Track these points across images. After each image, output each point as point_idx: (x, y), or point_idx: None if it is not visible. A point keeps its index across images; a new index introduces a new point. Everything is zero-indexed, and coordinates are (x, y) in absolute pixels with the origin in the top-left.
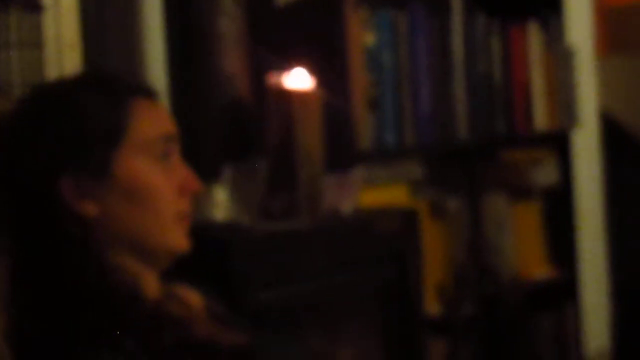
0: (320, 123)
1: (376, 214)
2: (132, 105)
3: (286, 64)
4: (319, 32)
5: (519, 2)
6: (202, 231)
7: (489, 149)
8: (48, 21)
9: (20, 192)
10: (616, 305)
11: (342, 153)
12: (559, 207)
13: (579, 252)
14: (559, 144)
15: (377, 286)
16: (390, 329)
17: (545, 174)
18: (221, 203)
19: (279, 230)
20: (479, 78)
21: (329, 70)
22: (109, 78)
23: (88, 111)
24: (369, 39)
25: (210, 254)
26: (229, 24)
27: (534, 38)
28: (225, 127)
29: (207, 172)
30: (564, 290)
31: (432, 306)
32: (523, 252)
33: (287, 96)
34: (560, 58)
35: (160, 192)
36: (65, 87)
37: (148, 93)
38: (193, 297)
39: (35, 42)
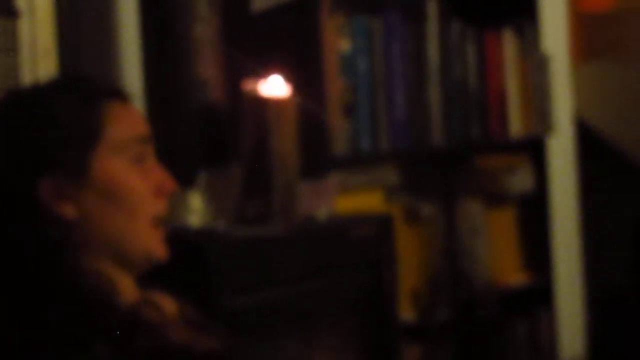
0: (295, 129)
1: (351, 219)
2: (107, 107)
3: (261, 70)
4: (294, 38)
5: (494, 9)
6: (177, 237)
7: (464, 155)
8: (23, 27)
9: None
10: (591, 311)
11: (317, 159)
12: (533, 213)
13: (553, 258)
14: (534, 150)
15: (352, 292)
16: (366, 335)
17: (520, 180)
18: (196, 209)
19: (254, 235)
20: (454, 84)
21: (304, 76)
22: (83, 82)
23: (63, 114)
24: (345, 44)
25: (186, 259)
26: (204, 30)
27: (509, 44)
28: (200, 133)
29: (182, 178)
30: (538, 296)
31: (407, 311)
32: (498, 258)
33: (262, 102)
34: (535, 64)
35: (137, 194)
36: (40, 91)
37: (121, 96)
38: (168, 303)
39: (10, 48)
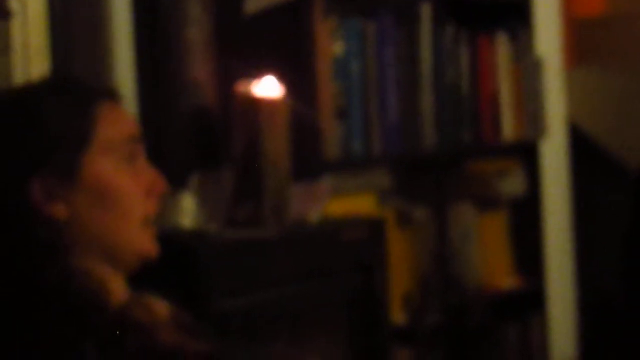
0: (287, 131)
1: (343, 223)
2: (98, 108)
3: (254, 73)
4: (287, 41)
5: (487, 13)
6: (169, 239)
7: (456, 159)
8: (16, 27)
9: None
10: (582, 315)
11: (309, 162)
12: (526, 217)
13: (545, 263)
14: (526, 154)
15: (343, 295)
16: (356, 338)
17: (513, 185)
18: (188, 211)
19: (245, 238)
20: (447, 88)
21: (296, 79)
22: (74, 82)
23: (55, 115)
24: (337, 48)
25: (177, 261)
26: (197, 32)
27: (502, 49)
28: (192, 135)
29: (174, 180)
30: (530, 300)
31: (398, 315)
32: (489, 262)
33: (255, 105)
34: (528, 69)
35: (128, 194)
36: (31, 92)
37: (113, 97)
38: (159, 305)
39: (2, 49)
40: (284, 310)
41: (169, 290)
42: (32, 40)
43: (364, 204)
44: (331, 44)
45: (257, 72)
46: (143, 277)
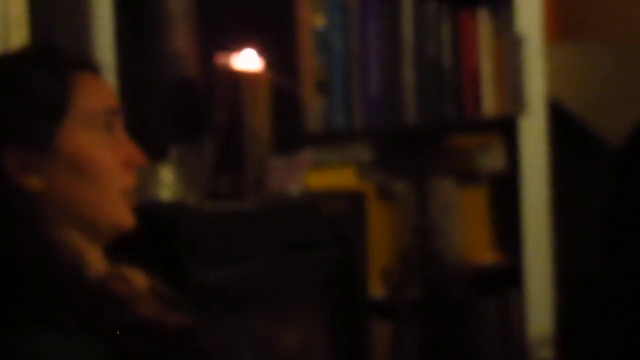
0: (268, 104)
1: (323, 195)
2: (76, 79)
3: (235, 45)
4: (269, 14)
5: None
6: (148, 210)
7: (437, 134)
8: None
9: None
10: (560, 292)
11: (290, 134)
12: (505, 192)
13: (524, 238)
14: (506, 129)
15: (323, 268)
16: (335, 312)
17: (493, 160)
18: (168, 183)
19: (226, 210)
20: (429, 62)
21: (278, 52)
22: (52, 52)
23: (31, 84)
24: (319, 21)
25: (156, 233)
26: (178, 3)
27: (483, 24)
28: (172, 107)
29: (154, 152)
30: (508, 275)
31: (377, 289)
32: (469, 236)
33: (236, 77)
34: (509, 44)
35: (105, 166)
36: (8, 61)
37: (91, 67)
38: (138, 277)
39: None
40: (263, 283)
41: (148, 262)
42: (12, 10)
43: (345, 177)
44: (313, 17)
45: (239, 43)
46: (123, 249)
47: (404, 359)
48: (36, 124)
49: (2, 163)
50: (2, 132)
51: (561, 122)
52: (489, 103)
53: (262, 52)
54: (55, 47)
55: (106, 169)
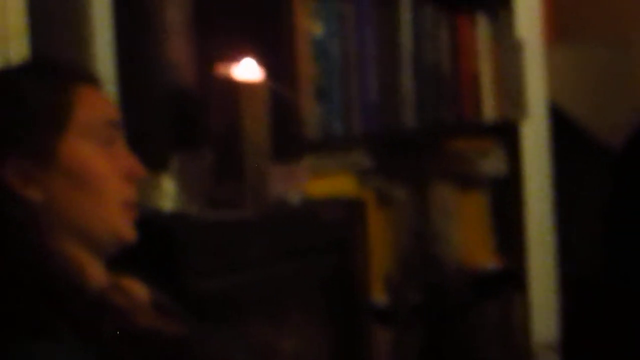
0: (266, 112)
1: (322, 203)
2: (76, 91)
3: (233, 53)
4: (266, 22)
5: None
6: (149, 220)
7: (436, 139)
8: None
9: None
10: (564, 296)
11: (288, 142)
12: (506, 196)
13: (526, 242)
14: (506, 134)
15: (323, 275)
16: (336, 318)
17: (493, 164)
18: (168, 192)
19: (225, 219)
20: (427, 68)
21: (275, 60)
22: (52, 65)
23: (32, 96)
24: (316, 28)
25: (157, 243)
26: (176, 13)
27: (482, 28)
28: (171, 116)
29: (153, 161)
30: (511, 280)
31: (378, 295)
32: (470, 241)
33: (234, 85)
34: (508, 49)
35: (105, 178)
36: (9, 73)
37: (91, 80)
38: (137, 288)
39: None
40: (264, 291)
41: (149, 272)
42: (11, 22)
43: (344, 183)
44: (310, 25)
45: (236, 52)
46: (123, 258)
47: None
48: (36, 135)
49: (2, 173)
50: (2, 143)
51: (560, 124)
52: (489, 107)
53: (259, 60)
54: (55, 59)
55: (106, 181)
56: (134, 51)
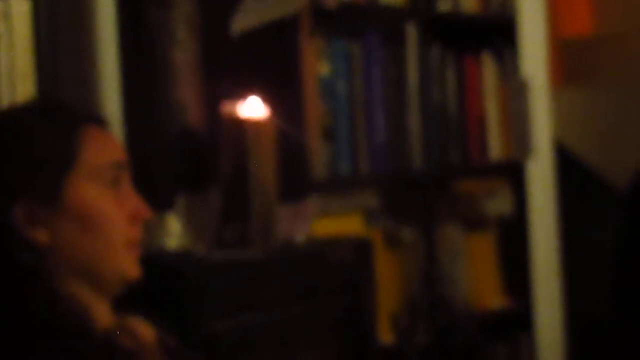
0: (274, 152)
1: (330, 243)
2: (83, 132)
3: (240, 93)
4: (273, 62)
5: (473, 33)
6: (155, 260)
7: (443, 179)
8: (1, 49)
9: None
10: (571, 336)
11: (296, 182)
12: (513, 237)
13: (533, 283)
14: (513, 174)
15: (331, 316)
16: (345, 359)
17: (500, 204)
18: (175, 232)
19: (233, 259)
20: (434, 108)
21: (283, 100)
22: (59, 105)
23: (38, 138)
24: (324, 68)
25: (163, 283)
26: (183, 54)
27: (488, 69)
28: (178, 156)
29: (160, 202)
30: (518, 320)
31: (386, 335)
32: (477, 282)
33: (241, 125)
34: (514, 89)
35: (111, 219)
36: (15, 114)
37: (98, 121)
38: (145, 329)
39: None
40: (272, 332)
41: (156, 313)
42: (18, 63)
43: (351, 224)
44: (318, 64)
45: (244, 92)
46: (130, 299)
47: None
48: (43, 177)
49: (10, 216)
50: (10, 185)
51: (567, 165)
52: (495, 148)
53: (267, 99)
54: (62, 100)
55: (112, 222)
56: (141, 92)
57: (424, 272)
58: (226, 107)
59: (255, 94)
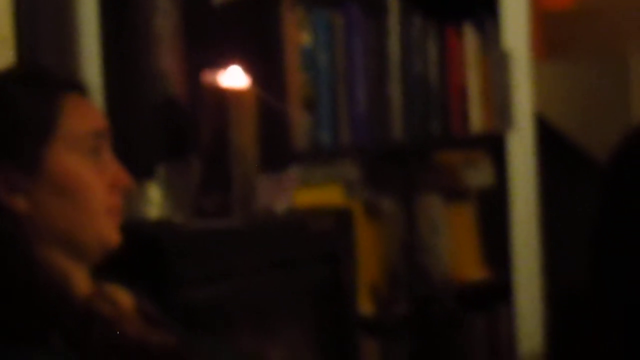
0: (255, 121)
1: (310, 213)
2: (63, 100)
3: (222, 63)
4: (255, 32)
5: (455, 4)
6: (135, 229)
7: (424, 150)
8: None
9: None
10: (549, 307)
11: (277, 152)
12: (493, 209)
13: (513, 254)
14: (494, 146)
15: (311, 286)
16: (324, 329)
17: (480, 176)
18: (155, 201)
19: (212, 228)
20: (415, 79)
21: (264, 70)
22: (40, 73)
23: (18, 105)
24: (305, 38)
25: (143, 251)
26: (164, 22)
27: (470, 40)
28: (159, 125)
29: (140, 170)
30: (497, 291)
31: (365, 306)
32: (457, 253)
33: (222, 95)
34: (496, 60)
35: (91, 188)
36: None
37: (79, 89)
38: (124, 297)
39: None
40: (251, 301)
41: (135, 281)
42: None
43: (332, 194)
44: (299, 35)
45: (225, 62)
46: (109, 267)
47: None
48: (23, 144)
49: None
50: None
51: (547, 137)
52: (476, 119)
53: (248, 69)
54: (43, 67)
55: (92, 190)
56: (121, 59)
57: (403, 243)
58: (207, 76)
59: (237, 64)
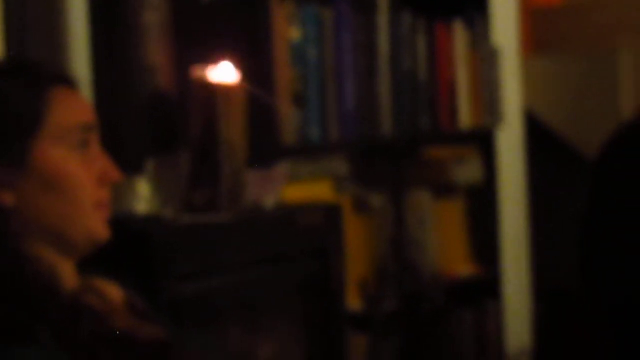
0: (244, 116)
1: (299, 208)
2: (51, 93)
3: (211, 58)
4: (244, 26)
5: (444, 1)
6: (124, 223)
7: (413, 146)
8: None
9: None
10: (538, 303)
11: (266, 147)
12: (482, 204)
13: (501, 250)
14: (483, 141)
15: (299, 281)
16: (312, 324)
17: (469, 172)
18: (143, 196)
19: (201, 223)
20: (404, 75)
21: (254, 64)
22: (27, 66)
23: (6, 98)
24: (295, 34)
25: (132, 246)
26: (154, 17)
27: (459, 36)
28: (148, 120)
29: (129, 165)
30: (486, 287)
31: (354, 301)
32: (446, 249)
33: (211, 90)
34: (485, 57)
35: (79, 182)
36: None
37: (67, 82)
38: (112, 290)
39: None
40: (240, 296)
41: (124, 276)
42: None
43: (321, 189)
44: (288, 30)
45: (214, 56)
46: (99, 262)
47: None
48: (10, 138)
49: None
50: None
51: (536, 133)
52: (465, 115)
53: (237, 64)
54: (30, 60)
55: (79, 185)
56: (110, 53)
57: (392, 239)
58: (196, 71)
59: (226, 59)
